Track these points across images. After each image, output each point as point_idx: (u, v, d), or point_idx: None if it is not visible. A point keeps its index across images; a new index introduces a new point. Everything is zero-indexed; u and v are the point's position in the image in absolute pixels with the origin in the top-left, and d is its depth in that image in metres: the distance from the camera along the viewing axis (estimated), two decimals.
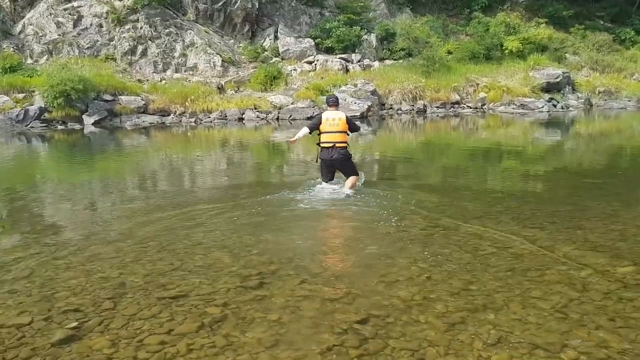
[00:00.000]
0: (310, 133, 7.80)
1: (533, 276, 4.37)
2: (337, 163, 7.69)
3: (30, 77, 23.48)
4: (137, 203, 7.80)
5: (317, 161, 7.95)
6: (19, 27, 26.39)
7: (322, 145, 7.68)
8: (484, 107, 26.32)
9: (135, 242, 5.58)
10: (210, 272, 4.64)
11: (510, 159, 12.39)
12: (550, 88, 27.51)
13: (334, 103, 7.83)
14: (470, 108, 26.25)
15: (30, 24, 26.50)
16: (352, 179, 7.68)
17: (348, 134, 7.71)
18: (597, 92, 28.44)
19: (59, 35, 26.31)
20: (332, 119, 7.61)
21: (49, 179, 11.19)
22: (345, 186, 7.69)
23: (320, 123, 7.67)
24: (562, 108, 25.86)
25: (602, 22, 36.44)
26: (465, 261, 4.76)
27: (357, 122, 8.28)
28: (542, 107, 25.31)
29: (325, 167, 7.81)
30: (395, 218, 6.30)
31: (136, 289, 4.30)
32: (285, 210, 6.90)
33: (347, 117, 7.75)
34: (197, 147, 16.16)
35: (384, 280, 4.37)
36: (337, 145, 7.56)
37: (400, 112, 25.72)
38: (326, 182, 7.89)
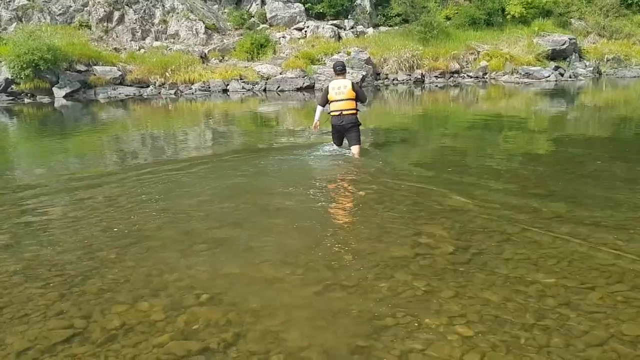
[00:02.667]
0: (323, 107, 7.94)
1: None
2: (345, 129, 7.74)
3: None
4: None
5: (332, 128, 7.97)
6: None
7: (331, 113, 7.78)
8: (485, 77, 24.71)
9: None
10: None
11: (522, 139, 10.88)
12: (556, 56, 25.85)
13: (340, 70, 7.79)
14: (471, 77, 24.63)
15: None
16: (355, 148, 7.73)
17: (356, 101, 7.72)
18: (605, 60, 26.79)
19: (29, 0, 24.30)
20: (339, 87, 7.67)
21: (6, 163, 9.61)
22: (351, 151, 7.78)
23: (328, 93, 7.75)
24: (570, 77, 24.22)
25: None
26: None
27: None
28: (549, 76, 23.68)
29: (335, 133, 7.92)
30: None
31: None
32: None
33: (353, 84, 7.74)
34: (179, 121, 14.53)
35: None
36: (344, 112, 7.64)
37: (397, 82, 24.10)
38: (337, 146, 8.07)
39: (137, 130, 12.93)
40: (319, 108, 7.96)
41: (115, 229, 4.69)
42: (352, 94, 7.61)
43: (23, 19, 23.95)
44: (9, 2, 24.15)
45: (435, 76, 24.52)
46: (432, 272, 3.61)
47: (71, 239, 4.52)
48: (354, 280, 3.53)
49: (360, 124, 7.83)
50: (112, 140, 11.35)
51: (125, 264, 3.97)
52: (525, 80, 23.42)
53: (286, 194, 5.79)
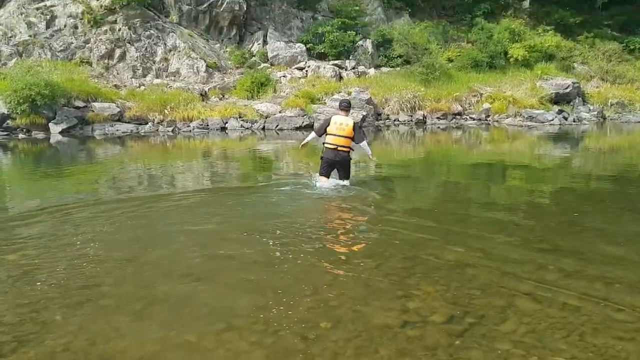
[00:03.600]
0: (318, 137, 8.16)
1: None
2: (338, 164, 7.91)
3: None
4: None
5: (320, 158, 8.07)
6: None
7: (326, 145, 7.89)
8: (488, 119, 24.36)
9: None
10: None
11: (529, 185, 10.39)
12: (560, 99, 25.57)
13: (345, 107, 8.07)
14: (474, 119, 24.30)
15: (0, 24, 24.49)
16: (344, 182, 7.91)
17: (353, 140, 7.84)
18: (609, 104, 26.50)
19: (30, 36, 24.30)
20: (340, 123, 7.81)
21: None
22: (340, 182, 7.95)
23: (329, 125, 7.88)
24: (574, 121, 23.86)
25: (609, 31, 34.66)
26: None
27: (366, 147, 8.10)
28: (552, 119, 23.30)
29: (327, 165, 7.97)
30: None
31: None
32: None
33: (355, 124, 7.87)
34: (176, 157, 14.11)
35: None
36: (339, 149, 7.80)
37: (398, 122, 23.77)
38: (323, 176, 8.03)
39: (123, 168, 12.49)
40: (314, 134, 8.26)
41: (71, 282, 4.17)
42: (351, 133, 7.76)
43: (24, 55, 23.88)
44: (10, 37, 24.12)
45: (437, 117, 24.21)
46: (422, 347, 3.07)
47: (17, 293, 4.00)
48: (329, 355, 2.99)
49: (351, 159, 8.04)
50: (96, 177, 10.90)
51: (69, 328, 3.43)
52: (529, 123, 23.07)
53: (265, 241, 5.24)
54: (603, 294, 3.78)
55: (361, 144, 7.95)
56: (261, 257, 4.72)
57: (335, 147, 7.76)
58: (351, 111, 20.31)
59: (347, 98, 8.83)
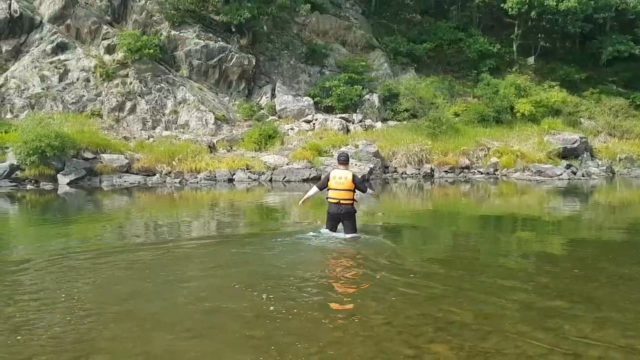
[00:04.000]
0: (320, 190, 8.28)
1: None
2: (342, 217, 8.00)
3: (6, 132, 21.73)
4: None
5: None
6: (0, 80, 24.81)
7: (329, 200, 8.08)
8: (496, 173, 24.28)
9: None
10: None
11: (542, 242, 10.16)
12: (567, 154, 25.55)
13: (343, 161, 8.20)
14: (482, 173, 24.22)
15: (13, 77, 24.95)
16: (350, 236, 7.90)
17: (355, 192, 7.97)
18: (618, 159, 26.42)
19: (43, 89, 24.73)
20: (339, 177, 7.96)
21: None
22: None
23: (329, 180, 8.06)
24: (583, 176, 23.72)
25: (614, 87, 34.99)
26: None
27: (367, 184, 8.37)
28: (561, 174, 23.20)
29: (332, 219, 8.13)
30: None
31: None
32: None
33: (354, 176, 8.00)
34: (183, 209, 14.02)
35: None
36: (342, 202, 7.93)
37: (406, 175, 23.72)
38: (329, 230, 8.16)
39: (128, 219, 12.38)
40: (315, 189, 8.34)
41: (66, 336, 3.97)
42: (351, 186, 7.90)
43: (36, 107, 24.24)
44: (23, 90, 24.57)
45: (445, 171, 24.16)
46: None
47: (10, 348, 3.80)
48: None
49: (356, 211, 8.10)
50: (100, 227, 10.77)
51: None
52: (538, 177, 22.95)
53: (268, 294, 5.03)
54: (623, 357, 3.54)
55: (367, 192, 8.20)
56: (264, 312, 4.52)
57: (337, 200, 7.94)
58: (358, 163, 20.39)
59: (346, 152, 9.00)
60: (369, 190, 8.22)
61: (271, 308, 4.64)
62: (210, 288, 5.32)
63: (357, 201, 8.09)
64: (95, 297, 4.99)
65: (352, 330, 4.08)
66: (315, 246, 7.47)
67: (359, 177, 8.30)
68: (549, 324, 4.15)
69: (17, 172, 20.46)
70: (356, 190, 7.99)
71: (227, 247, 7.51)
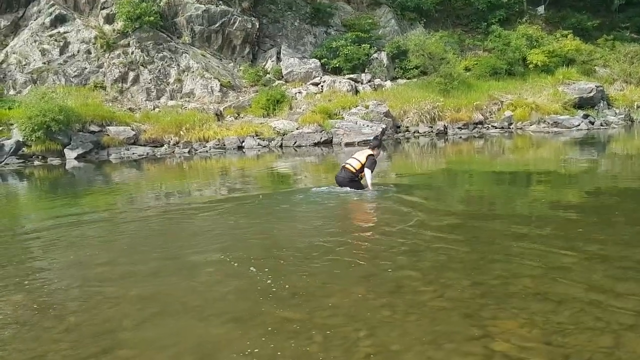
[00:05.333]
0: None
1: None
2: (343, 183, 8.25)
3: (10, 108, 21.32)
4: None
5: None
6: (1, 57, 24.26)
7: None
8: (511, 127, 23.68)
9: None
10: None
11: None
12: (584, 104, 24.84)
13: (370, 145, 8.64)
14: (496, 128, 23.63)
15: (14, 53, 24.40)
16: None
17: (362, 166, 8.14)
18: (635, 107, 25.67)
19: (44, 63, 24.18)
20: (357, 153, 8.49)
21: None
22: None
23: None
24: (601, 125, 23.09)
25: (628, 33, 33.89)
26: None
27: (368, 173, 8.18)
28: (578, 124, 22.57)
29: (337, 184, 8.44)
30: None
31: None
32: None
33: (368, 155, 8.20)
34: (194, 179, 13.64)
35: None
36: (346, 166, 8.32)
37: (418, 134, 23.18)
38: None
39: (140, 190, 12.02)
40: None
41: (83, 327, 3.61)
42: (363, 160, 8.17)
43: (38, 82, 23.73)
44: (24, 65, 24.03)
45: (459, 127, 23.58)
46: None
47: (21, 342, 3.44)
48: None
49: (357, 180, 8.25)
50: (112, 200, 10.43)
51: None
52: (555, 129, 22.35)
53: (303, 266, 4.61)
54: None
55: (368, 174, 8.10)
56: (301, 289, 4.11)
57: (343, 165, 8.43)
58: (370, 124, 19.90)
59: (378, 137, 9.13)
60: (367, 175, 8.08)
61: (309, 283, 4.21)
62: (236, 261, 4.91)
63: (359, 174, 8.21)
64: (114, 279, 4.63)
65: (401, 308, 3.59)
66: (341, 202, 7.45)
67: (373, 155, 8.32)
68: (623, 287, 3.69)
69: (23, 148, 20.13)
70: (364, 169, 8.10)
71: (257, 208, 7.22)
